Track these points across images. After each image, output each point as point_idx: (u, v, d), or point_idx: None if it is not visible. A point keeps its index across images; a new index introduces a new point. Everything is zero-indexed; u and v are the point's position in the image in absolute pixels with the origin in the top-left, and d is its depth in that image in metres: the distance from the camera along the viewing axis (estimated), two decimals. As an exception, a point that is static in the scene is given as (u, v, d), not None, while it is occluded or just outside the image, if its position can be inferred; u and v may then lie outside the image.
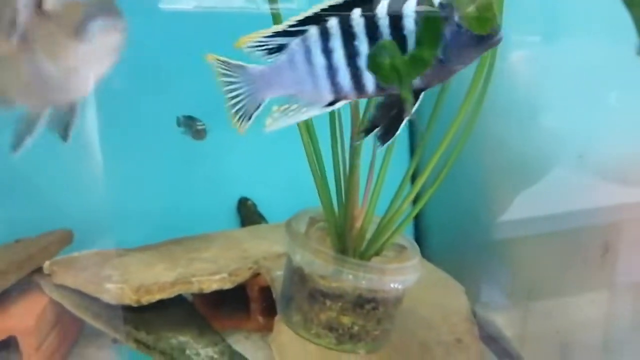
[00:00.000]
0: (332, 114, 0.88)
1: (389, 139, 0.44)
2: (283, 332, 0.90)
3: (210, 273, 1.06)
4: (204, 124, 1.15)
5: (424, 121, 0.90)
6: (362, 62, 0.39)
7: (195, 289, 1.04)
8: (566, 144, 0.96)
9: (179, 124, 1.18)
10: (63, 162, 1.24)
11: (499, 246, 1.16)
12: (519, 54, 1.03)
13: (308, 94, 0.42)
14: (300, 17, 0.40)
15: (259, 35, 0.41)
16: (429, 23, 0.35)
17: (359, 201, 0.88)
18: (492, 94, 1.00)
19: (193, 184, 1.37)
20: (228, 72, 0.44)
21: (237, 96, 0.44)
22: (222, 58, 0.44)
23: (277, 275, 1.05)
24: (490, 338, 1.08)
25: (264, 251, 1.16)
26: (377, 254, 0.90)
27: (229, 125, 1.34)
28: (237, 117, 0.46)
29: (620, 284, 0.88)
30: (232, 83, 0.44)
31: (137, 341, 1.01)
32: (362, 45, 0.38)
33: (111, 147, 1.28)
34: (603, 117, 0.90)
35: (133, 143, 1.28)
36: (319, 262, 0.85)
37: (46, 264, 1.06)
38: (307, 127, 0.88)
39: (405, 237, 0.97)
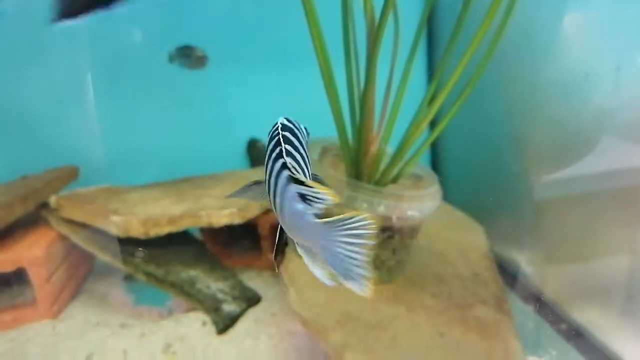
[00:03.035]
0: (346, 39, 0.82)
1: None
2: (293, 261, 0.87)
3: (219, 208, 1.03)
4: (203, 51, 1.09)
5: (443, 42, 0.82)
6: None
7: (204, 223, 1.01)
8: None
9: (171, 59, 1.12)
10: (71, 101, 1.21)
11: (524, 193, 1.10)
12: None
13: None
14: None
15: None
16: None
17: (374, 125, 0.83)
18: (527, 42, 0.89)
19: (203, 125, 1.33)
20: None
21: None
22: None
23: (288, 211, 1.01)
24: (510, 276, 1.04)
25: (274, 189, 1.13)
26: (393, 181, 0.86)
27: (240, 66, 1.30)
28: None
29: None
30: None
31: (147, 274, 0.99)
32: None
33: (121, 88, 1.25)
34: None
35: (143, 82, 1.24)
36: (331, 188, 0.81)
37: (53, 198, 1.04)
38: (321, 49, 0.82)
39: (423, 166, 0.93)
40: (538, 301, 0.94)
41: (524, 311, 0.94)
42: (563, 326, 0.89)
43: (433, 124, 0.89)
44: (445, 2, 1.18)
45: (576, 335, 0.89)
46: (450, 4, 1.06)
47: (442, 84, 0.83)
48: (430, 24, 1.28)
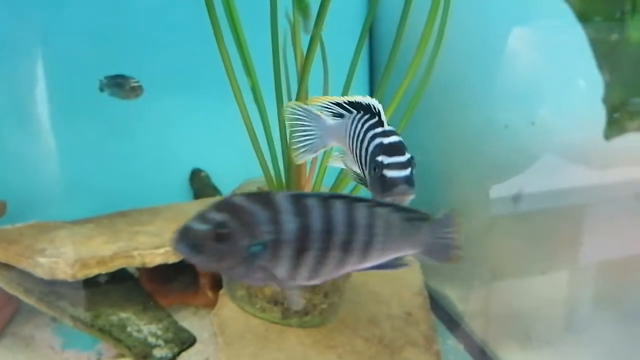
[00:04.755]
0: (277, 77, 0.83)
1: None
2: (226, 306, 0.86)
3: (153, 247, 1.00)
4: (138, 81, 1.06)
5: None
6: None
7: (137, 263, 0.98)
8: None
9: (101, 88, 1.08)
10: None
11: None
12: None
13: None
14: (353, 99, 0.52)
15: (327, 100, 0.53)
16: None
17: (306, 170, 0.84)
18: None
19: (144, 155, 1.30)
20: (306, 118, 0.54)
21: (309, 136, 0.54)
22: (303, 105, 0.54)
23: (225, 249, 1.00)
24: (443, 312, 1.07)
25: (214, 224, 1.11)
26: (325, 225, 0.87)
27: (182, 94, 1.29)
28: (302, 149, 0.55)
29: (583, 265, 0.86)
30: (307, 127, 0.54)
31: (74, 318, 0.95)
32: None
33: (54, 117, 1.20)
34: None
35: (78, 111, 1.20)
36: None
37: (-26, 237, 0.99)
38: (254, 91, 0.83)
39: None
40: (469, 339, 0.97)
41: (456, 350, 0.96)
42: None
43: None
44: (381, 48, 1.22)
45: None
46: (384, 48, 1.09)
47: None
48: (371, 62, 1.31)
